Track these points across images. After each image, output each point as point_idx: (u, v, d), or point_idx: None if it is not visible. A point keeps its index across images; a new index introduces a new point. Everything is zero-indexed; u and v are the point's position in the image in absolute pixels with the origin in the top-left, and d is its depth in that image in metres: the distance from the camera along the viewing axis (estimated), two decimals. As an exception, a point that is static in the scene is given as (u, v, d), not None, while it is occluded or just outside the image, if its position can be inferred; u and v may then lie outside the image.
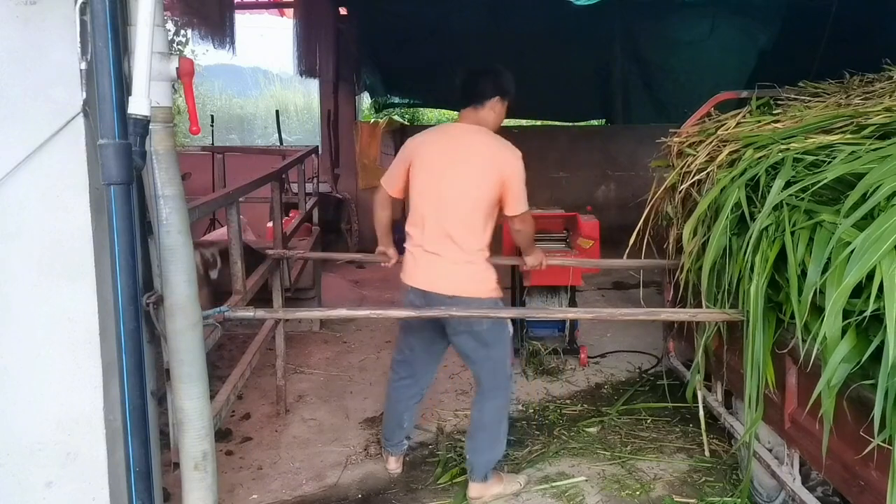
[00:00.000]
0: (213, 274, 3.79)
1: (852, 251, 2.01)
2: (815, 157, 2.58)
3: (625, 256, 3.56)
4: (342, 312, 3.09)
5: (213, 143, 7.52)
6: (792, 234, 2.34)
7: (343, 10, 8.16)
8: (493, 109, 3.06)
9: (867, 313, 1.93)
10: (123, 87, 1.81)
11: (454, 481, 3.22)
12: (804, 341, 2.18)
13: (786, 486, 2.54)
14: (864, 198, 2.12)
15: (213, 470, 2.13)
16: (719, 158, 3.03)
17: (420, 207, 3.01)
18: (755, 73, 7.93)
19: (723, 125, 3.39)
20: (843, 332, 2.01)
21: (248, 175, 3.56)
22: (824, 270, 2.12)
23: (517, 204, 3.00)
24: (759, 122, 3.25)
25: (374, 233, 3.34)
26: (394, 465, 3.33)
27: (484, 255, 3.01)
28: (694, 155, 3.27)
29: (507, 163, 2.96)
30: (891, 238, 1.93)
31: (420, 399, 3.36)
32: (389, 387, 3.34)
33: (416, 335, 3.21)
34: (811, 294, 2.16)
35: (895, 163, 2.16)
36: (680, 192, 3.30)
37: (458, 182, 2.95)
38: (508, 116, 3.22)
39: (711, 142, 3.25)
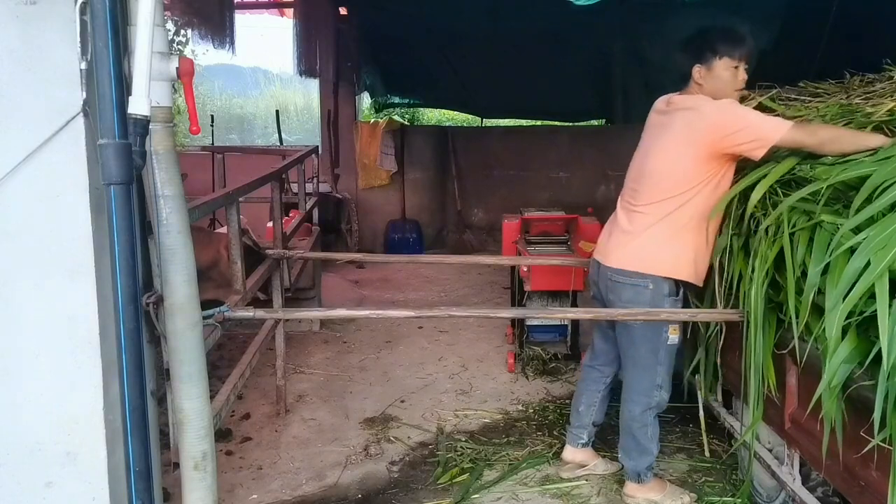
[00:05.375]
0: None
1: (853, 252, 2.00)
2: (815, 158, 2.58)
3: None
4: (342, 312, 3.08)
5: (213, 143, 7.50)
6: (792, 234, 2.34)
7: (343, 10, 8.15)
8: (700, 80, 2.87)
9: (867, 313, 1.93)
10: (123, 87, 1.81)
11: (454, 481, 3.22)
12: (805, 342, 2.18)
13: (786, 486, 2.54)
14: (869, 199, 2.12)
15: (212, 470, 2.13)
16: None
17: None
18: (755, 73, 7.91)
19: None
20: (844, 332, 2.01)
21: (248, 175, 3.55)
22: (824, 271, 2.12)
23: (755, 145, 2.59)
24: (760, 122, 3.24)
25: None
26: (566, 454, 3.29)
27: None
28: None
29: (695, 118, 2.71)
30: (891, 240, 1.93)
31: (602, 390, 3.21)
32: (582, 368, 3.34)
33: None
34: (811, 294, 2.16)
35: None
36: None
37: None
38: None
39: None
